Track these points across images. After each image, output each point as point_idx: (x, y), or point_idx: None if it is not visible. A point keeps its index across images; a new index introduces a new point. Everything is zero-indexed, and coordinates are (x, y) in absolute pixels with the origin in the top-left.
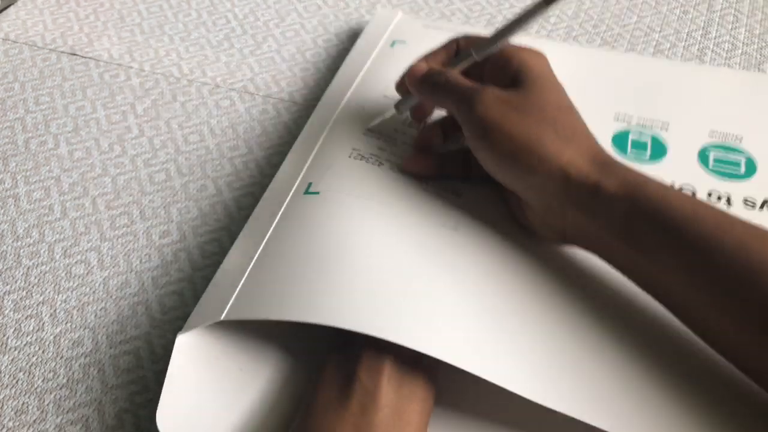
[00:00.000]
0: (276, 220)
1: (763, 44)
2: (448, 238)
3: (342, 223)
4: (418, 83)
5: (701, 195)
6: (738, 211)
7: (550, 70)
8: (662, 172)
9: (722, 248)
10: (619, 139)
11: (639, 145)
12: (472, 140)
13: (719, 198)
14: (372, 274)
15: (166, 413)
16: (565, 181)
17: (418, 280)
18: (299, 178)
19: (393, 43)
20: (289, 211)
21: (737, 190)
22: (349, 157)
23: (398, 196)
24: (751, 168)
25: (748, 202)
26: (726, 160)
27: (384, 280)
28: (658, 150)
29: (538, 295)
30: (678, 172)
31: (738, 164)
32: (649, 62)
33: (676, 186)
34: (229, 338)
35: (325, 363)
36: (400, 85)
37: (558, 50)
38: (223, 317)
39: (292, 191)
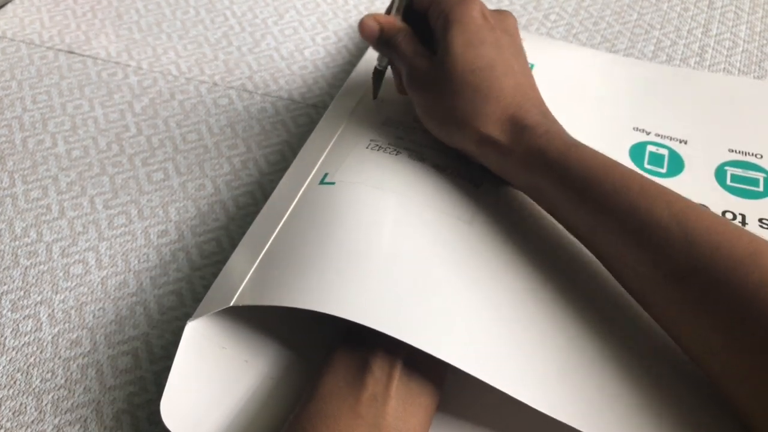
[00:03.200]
0: (289, 210)
1: (764, 42)
2: (463, 232)
3: (356, 213)
4: (374, 43)
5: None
6: (753, 231)
7: (471, 22)
8: (678, 187)
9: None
10: (637, 150)
11: (656, 159)
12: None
13: (734, 217)
14: (383, 268)
15: (170, 403)
16: (479, 143)
17: (428, 278)
18: (315, 169)
19: None
20: (303, 200)
21: (753, 209)
22: (367, 147)
23: (414, 186)
24: None
25: (763, 222)
26: (744, 177)
27: (395, 276)
28: (675, 164)
29: (545, 299)
30: (694, 188)
31: (756, 182)
32: (670, 71)
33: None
34: (236, 330)
35: (334, 350)
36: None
37: (575, 54)
38: (233, 303)
39: (308, 181)
